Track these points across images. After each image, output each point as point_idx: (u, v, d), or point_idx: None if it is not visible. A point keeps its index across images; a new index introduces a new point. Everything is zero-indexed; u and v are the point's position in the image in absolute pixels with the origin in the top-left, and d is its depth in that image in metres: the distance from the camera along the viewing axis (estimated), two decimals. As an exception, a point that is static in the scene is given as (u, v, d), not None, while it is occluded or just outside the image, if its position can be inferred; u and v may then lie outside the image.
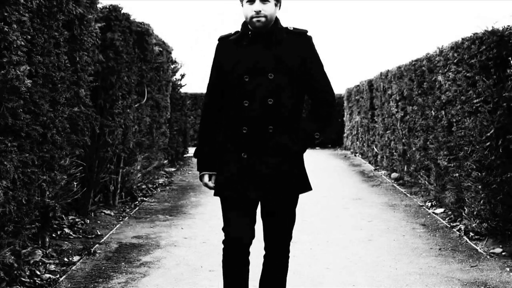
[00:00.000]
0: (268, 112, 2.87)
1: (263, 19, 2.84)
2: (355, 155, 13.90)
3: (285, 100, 2.88)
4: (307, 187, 2.98)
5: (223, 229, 2.98)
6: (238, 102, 2.90)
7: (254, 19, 2.85)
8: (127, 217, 6.17)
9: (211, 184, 3.01)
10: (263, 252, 3.08)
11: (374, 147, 11.23)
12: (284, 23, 3.01)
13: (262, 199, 2.93)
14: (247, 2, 2.87)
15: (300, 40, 2.94)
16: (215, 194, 3.01)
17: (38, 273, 4.04)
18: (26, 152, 3.86)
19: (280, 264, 3.06)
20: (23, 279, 3.84)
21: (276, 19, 2.95)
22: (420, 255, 4.75)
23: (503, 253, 4.73)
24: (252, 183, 2.88)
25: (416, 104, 7.47)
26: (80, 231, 5.33)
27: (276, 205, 2.97)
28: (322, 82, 2.96)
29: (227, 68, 2.95)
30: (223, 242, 2.96)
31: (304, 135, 2.94)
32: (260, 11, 2.83)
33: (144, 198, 7.31)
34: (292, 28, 2.96)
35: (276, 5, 2.91)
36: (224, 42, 3.02)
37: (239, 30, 2.98)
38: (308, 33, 2.97)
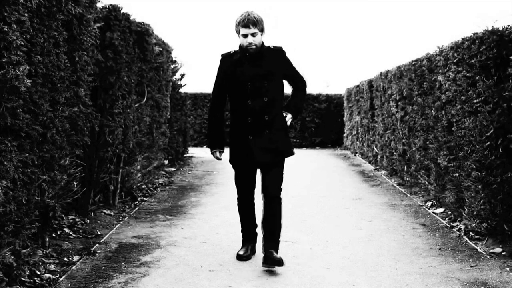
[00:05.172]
0: (264, 107, 4.32)
1: (254, 47, 4.30)
2: (355, 155, 13.90)
3: (274, 98, 4.36)
4: (291, 152, 4.45)
5: (235, 184, 4.57)
6: (243, 101, 4.34)
7: (248, 47, 4.30)
8: (127, 217, 6.17)
9: (220, 157, 4.52)
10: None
11: (374, 147, 11.23)
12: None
13: (262, 163, 4.36)
14: (241, 35, 4.29)
15: (278, 54, 4.44)
16: (230, 162, 4.50)
17: (38, 273, 4.04)
18: (26, 152, 3.86)
19: (276, 205, 4.37)
20: (23, 279, 3.83)
21: (262, 43, 4.37)
22: (420, 255, 4.75)
23: (503, 253, 4.73)
24: (256, 153, 4.32)
25: (416, 104, 7.47)
26: (80, 231, 5.33)
27: (271, 165, 4.36)
28: (298, 76, 4.56)
29: (233, 78, 4.36)
30: (237, 192, 4.59)
31: (295, 108, 4.54)
32: (251, 42, 4.28)
33: (144, 198, 7.31)
34: (272, 47, 4.44)
35: (261, 34, 4.34)
36: (229, 60, 4.41)
37: (237, 50, 4.40)
38: (283, 49, 4.46)
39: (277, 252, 4.28)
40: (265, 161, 4.35)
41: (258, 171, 4.58)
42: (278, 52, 4.43)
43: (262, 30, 4.32)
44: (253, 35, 4.26)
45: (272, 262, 4.17)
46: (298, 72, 4.56)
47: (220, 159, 4.52)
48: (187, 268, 4.34)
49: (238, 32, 4.32)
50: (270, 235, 4.34)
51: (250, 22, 4.24)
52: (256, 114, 4.31)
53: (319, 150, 16.65)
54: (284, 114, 4.50)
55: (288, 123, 4.52)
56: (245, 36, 4.27)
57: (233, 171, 4.60)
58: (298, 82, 4.55)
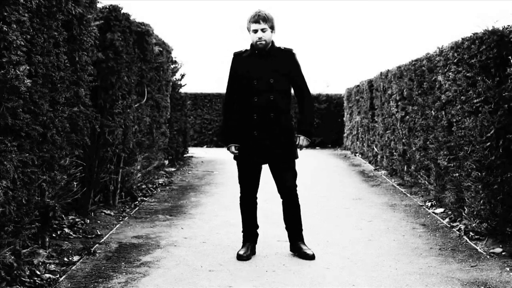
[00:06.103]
0: (270, 104, 4.45)
1: (263, 42, 4.46)
2: (355, 155, 13.90)
3: (280, 96, 4.48)
4: (295, 155, 4.55)
5: (239, 182, 4.65)
6: (249, 98, 4.48)
7: (258, 43, 4.46)
8: (127, 217, 6.17)
9: (236, 150, 4.56)
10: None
11: (374, 147, 11.23)
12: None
13: (267, 161, 4.53)
14: (252, 31, 4.45)
15: (288, 56, 4.55)
16: (234, 159, 4.62)
17: (38, 273, 4.04)
18: (26, 152, 3.86)
19: (293, 203, 4.59)
20: (23, 279, 3.83)
21: (272, 42, 4.53)
22: (420, 255, 4.75)
23: (503, 253, 4.73)
24: (260, 151, 4.48)
25: (416, 104, 7.47)
26: (80, 231, 5.33)
27: (279, 165, 4.52)
28: (303, 84, 4.58)
29: (241, 74, 4.53)
30: (240, 191, 4.67)
31: (308, 124, 4.56)
32: (261, 37, 4.44)
33: (144, 198, 7.31)
34: (283, 48, 4.56)
35: (271, 32, 4.49)
36: (239, 58, 4.58)
37: (248, 48, 4.55)
38: (293, 51, 4.56)
39: (303, 240, 4.69)
40: (269, 160, 4.52)
41: (261, 172, 4.65)
42: (288, 54, 4.55)
43: (272, 28, 4.48)
44: (263, 30, 4.43)
45: (308, 258, 4.55)
46: (305, 80, 4.60)
47: (236, 153, 4.55)
48: (187, 268, 4.34)
49: (249, 29, 4.49)
50: (294, 230, 4.66)
51: (260, 18, 4.42)
52: (262, 111, 4.44)
53: (319, 150, 16.65)
54: (297, 141, 4.53)
55: (302, 144, 4.53)
56: (255, 31, 4.43)
57: (234, 171, 4.62)
58: (302, 88, 4.57)
